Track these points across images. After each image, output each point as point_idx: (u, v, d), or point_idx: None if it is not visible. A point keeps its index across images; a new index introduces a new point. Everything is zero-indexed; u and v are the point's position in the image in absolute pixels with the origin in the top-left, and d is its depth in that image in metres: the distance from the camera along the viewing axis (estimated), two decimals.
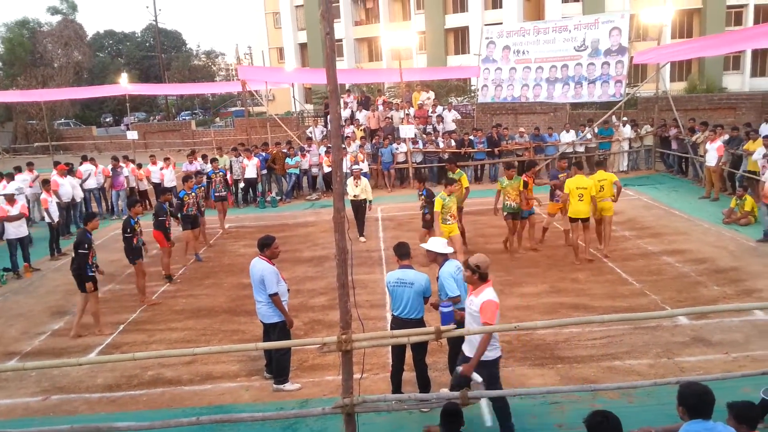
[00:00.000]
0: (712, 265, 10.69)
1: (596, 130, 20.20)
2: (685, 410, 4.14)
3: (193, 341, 8.93)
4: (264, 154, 19.51)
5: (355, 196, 13.53)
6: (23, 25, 48.64)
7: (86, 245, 9.26)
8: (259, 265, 7.20)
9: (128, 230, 10.43)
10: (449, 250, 6.76)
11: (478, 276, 5.79)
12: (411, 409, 6.36)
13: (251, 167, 18.66)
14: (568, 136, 20.04)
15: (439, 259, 6.68)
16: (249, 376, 7.72)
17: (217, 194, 15.54)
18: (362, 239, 14.00)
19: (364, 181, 13.87)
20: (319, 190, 20.03)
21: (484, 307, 5.65)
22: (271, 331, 7.30)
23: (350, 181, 13.58)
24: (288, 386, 7.32)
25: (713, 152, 15.44)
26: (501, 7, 46.36)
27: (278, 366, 7.31)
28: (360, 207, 13.76)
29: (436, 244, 6.76)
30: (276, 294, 7.08)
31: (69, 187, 16.29)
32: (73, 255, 9.38)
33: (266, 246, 7.30)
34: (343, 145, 17.54)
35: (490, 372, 5.84)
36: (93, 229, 9.60)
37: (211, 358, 8.16)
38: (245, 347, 7.29)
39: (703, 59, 39.93)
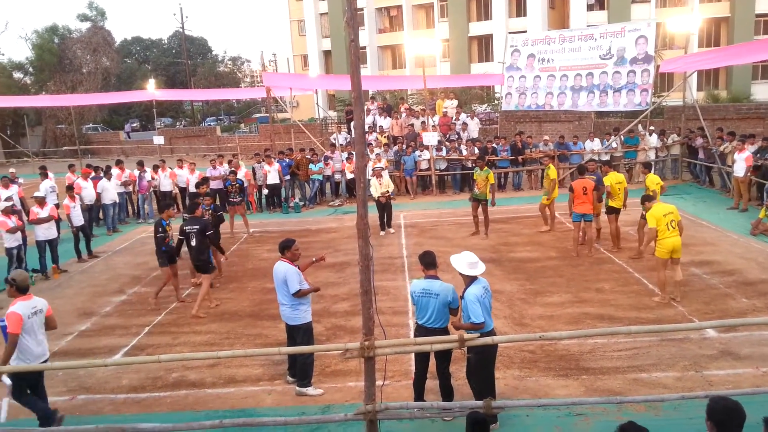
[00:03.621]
0: (740, 276, 10.51)
1: (622, 139, 20.03)
2: (713, 425, 4.05)
3: (217, 344, 9.00)
4: (288, 160, 19.64)
5: (382, 194, 14.66)
6: (53, 31, 49.55)
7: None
8: (282, 267, 7.31)
9: (160, 229, 10.57)
10: (475, 271, 6.26)
11: (15, 288, 6.35)
12: (433, 417, 6.33)
13: (273, 173, 18.80)
14: (593, 145, 19.90)
15: (466, 278, 6.33)
16: (271, 380, 7.75)
17: (230, 200, 15.94)
18: (391, 230, 15.06)
19: (386, 177, 15.11)
20: (342, 196, 20.10)
21: (7, 317, 6.14)
22: (296, 334, 7.37)
23: (374, 181, 14.67)
24: (311, 390, 7.33)
25: (741, 162, 15.20)
26: (525, 15, 46.27)
27: (302, 369, 7.34)
28: (386, 203, 14.89)
29: (460, 263, 6.33)
30: (299, 290, 7.17)
31: (92, 190, 16.57)
32: (195, 244, 10.23)
33: (287, 248, 7.43)
34: (366, 152, 17.74)
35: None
36: (169, 217, 10.76)
37: (234, 362, 8.21)
38: (268, 351, 7.35)
39: (731, 68, 39.44)
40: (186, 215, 11.19)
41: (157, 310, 10.62)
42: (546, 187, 14.30)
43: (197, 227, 10.26)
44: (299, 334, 7.32)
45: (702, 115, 19.65)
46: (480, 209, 14.17)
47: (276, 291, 7.44)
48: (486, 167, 14.26)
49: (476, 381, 6.39)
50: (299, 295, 7.20)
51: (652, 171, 19.91)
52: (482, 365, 6.32)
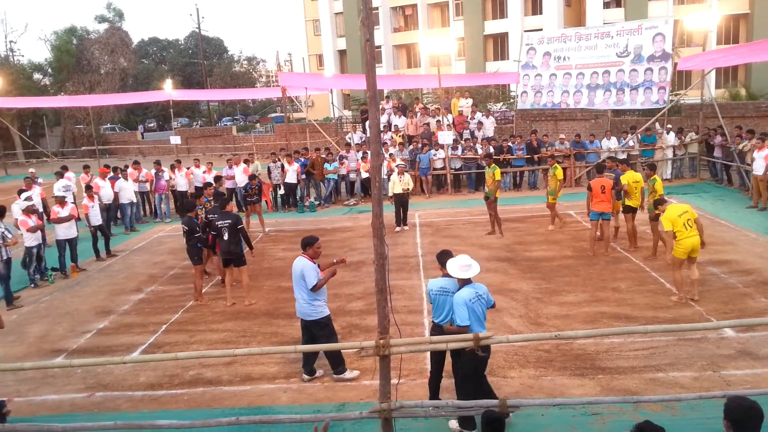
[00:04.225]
0: (759, 276, 10.38)
1: (639, 137, 19.87)
2: (730, 424, 4.02)
3: (233, 342, 9.06)
4: (303, 159, 19.71)
5: (403, 190, 15.23)
6: (72, 32, 50.12)
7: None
8: (300, 263, 7.47)
9: (197, 228, 10.82)
10: (467, 274, 6.15)
11: None
12: (448, 415, 6.33)
13: (291, 172, 18.89)
14: (609, 143, 19.76)
15: (459, 281, 6.25)
16: (287, 378, 7.79)
17: (248, 199, 16.17)
18: (405, 227, 15.46)
19: (406, 175, 15.67)
20: (357, 195, 20.14)
21: None
22: (315, 329, 7.49)
23: (394, 176, 15.36)
24: (348, 374, 7.57)
25: (761, 160, 15.02)
26: (541, 13, 46.05)
27: (332, 358, 7.55)
28: (404, 200, 15.39)
29: (453, 265, 6.23)
30: (315, 284, 7.31)
31: (109, 189, 16.77)
32: (227, 237, 10.38)
33: (309, 245, 7.58)
34: (381, 151, 17.99)
35: None
36: (196, 216, 11.26)
37: (250, 360, 8.27)
38: (284, 349, 7.39)
39: (750, 65, 38.86)
40: (209, 215, 11.37)
41: (206, 303, 10.89)
42: (552, 186, 14.41)
43: (229, 221, 10.40)
44: (319, 328, 7.45)
45: (720, 112, 19.43)
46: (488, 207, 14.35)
47: (293, 287, 7.55)
48: (493, 164, 14.42)
49: (470, 386, 6.22)
50: (317, 288, 7.32)
51: (665, 172, 19.91)
52: (470, 370, 6.20)
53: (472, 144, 20.35)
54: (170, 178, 18.93)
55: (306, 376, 7.67)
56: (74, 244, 13.26)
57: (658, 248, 11.74)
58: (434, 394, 6.73)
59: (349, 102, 48.36)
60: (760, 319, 8.36)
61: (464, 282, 6.20)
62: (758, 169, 15.15)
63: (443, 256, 6.63)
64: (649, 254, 11.86)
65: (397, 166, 16.05)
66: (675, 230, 9.18)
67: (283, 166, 18.95)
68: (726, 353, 7.67)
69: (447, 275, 6.52)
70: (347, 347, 7.37)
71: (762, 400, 4.13)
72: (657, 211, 10.20)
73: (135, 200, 17.88)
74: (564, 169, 19.89)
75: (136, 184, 18.33)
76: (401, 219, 15.48)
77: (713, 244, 12.30)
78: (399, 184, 15.27)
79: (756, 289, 9.81)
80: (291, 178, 18.96)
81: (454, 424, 6.36)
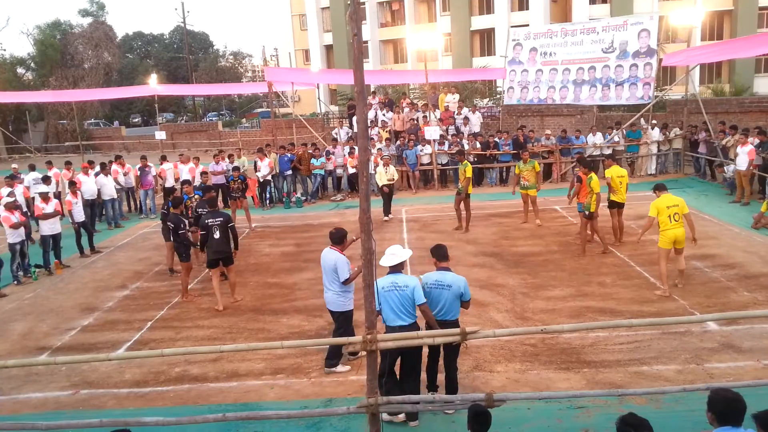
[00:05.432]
0: (742, 270, 10.51)
1: (624, 133, 20.00)
2: (714, 416, 4.08)
3: (219, 339, 9.02)
4: (290, 154, 19.63)
5: (388, 180, 15.81)
6: (55, 27, 49.53)
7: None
8: (332, 255, 7.59)
9: (182, 225, 10.74)
10: (389, 262, 6.42)
11: None
12: (435, 410, 6.35)
13: (264, 167, 18.86)
14: (595, 139, 19.87)
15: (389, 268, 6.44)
16: (274, 375, 7.77)
17: (233, 195, 16.06)
18: (391, 216, 15.91)
19: (391, 166, 16.35)
20: (344, 190, 20.11)
21: None
22: (336, 319, 7.68)
23: (380, 168, 15.85)
24: (340, 368, 7.68)
25: (744, 156, 15.18)
26: (527, 8, 46.15)
27: (332, 350, 7.67)
28: (390, 191, 15.94)
29: (385, 257, 6.46)
30: (348, 278, 7.49)
31: (92, 185, 16.61)
32: (218, 236, 10.14)
33: (344, 237, 7.83)
34: (368, 146, 18.08)
35: None
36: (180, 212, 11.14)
37: (236, 356, 8.24)
38: (271, 345, 7.37)
39: (734, 62, 39.28)
40: (199, 208, 11.43)
41: (192, 300, 10.82)
42: (532, 180, 14.61)
43: (220, 219, 10.24)
44: (343, 319, 7.61)
45: (704, 108, 19.59)
46: (462, 203, 14.32)
47: (323, 277, 7.68)
48: (465, 161, 14.57)
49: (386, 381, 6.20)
50: (349, 281, 7.49)
51: (650, 167, 20.04)
52: (387, 363, 6.19)
53: (458, 139, 20.37)
54: (157, 174, 18.76)
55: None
56: (58, 240, 13.14)
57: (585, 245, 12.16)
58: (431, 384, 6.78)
59: (335, 97, 48.22)
60: (743, 313, 8.47)
61: (392, 269, 6.41)
62: (741, 164, 15.30)
63: (437, 250, 6.69)
64: (603, 249, 12.07)
65: (381, 158, 16.54)
66: (659, 220, 9.33)
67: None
68: (709, 346, 7.75)
69: (441, 269, 6.59)
70: (335, 342, 7.37)
71: (745, 392, 4.19)
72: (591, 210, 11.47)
73: (115, 196, 17.63)
74: (549, 164, 20.08)
75: (121, 178, 18.20)
76: (388, 209, 15.94)
77: (697, 239, 12.39)
78: (385, 175, 15.76)
79: (739, 283, 9.92)
80: (263, 173, 18.95)
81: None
